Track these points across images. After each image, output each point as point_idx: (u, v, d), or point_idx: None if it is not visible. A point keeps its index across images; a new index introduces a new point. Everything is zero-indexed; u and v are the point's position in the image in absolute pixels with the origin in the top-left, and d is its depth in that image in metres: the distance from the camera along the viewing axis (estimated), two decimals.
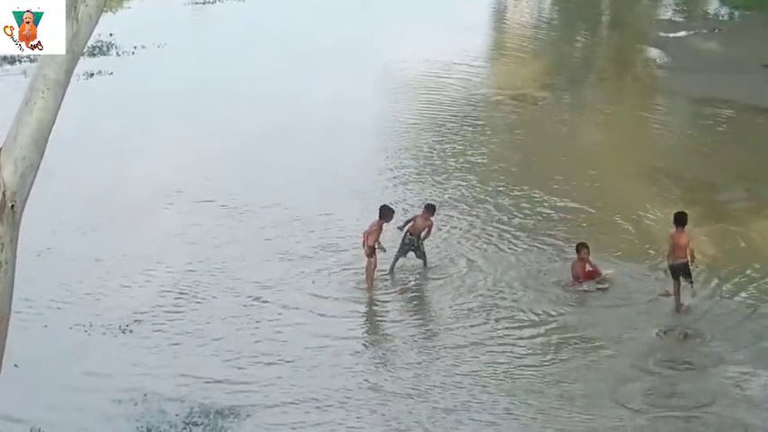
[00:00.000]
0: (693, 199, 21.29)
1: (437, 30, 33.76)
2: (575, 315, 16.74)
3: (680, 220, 16.68)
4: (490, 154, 23.74)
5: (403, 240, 18.17)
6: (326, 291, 17.41)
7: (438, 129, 25.29)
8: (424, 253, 18.18)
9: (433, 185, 21.86)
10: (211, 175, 22.25)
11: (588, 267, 17.70)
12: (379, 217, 17.81)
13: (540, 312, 16.69)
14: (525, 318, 16.53)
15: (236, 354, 15.48)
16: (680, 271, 16.54)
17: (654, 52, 33.03)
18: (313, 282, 17.63)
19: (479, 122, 25.92)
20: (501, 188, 21.73)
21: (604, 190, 21.65)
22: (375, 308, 17.37)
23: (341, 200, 20.87)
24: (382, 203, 18.35)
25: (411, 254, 18.25)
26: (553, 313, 16.68)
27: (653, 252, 18.74)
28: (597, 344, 15.81)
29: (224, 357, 15.42)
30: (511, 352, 15.51)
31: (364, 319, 17.15)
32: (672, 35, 34.60)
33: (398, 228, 18.21)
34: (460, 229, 19.69)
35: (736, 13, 37.62)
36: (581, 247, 17.73)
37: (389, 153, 23.85)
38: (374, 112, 26.85)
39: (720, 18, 37.96)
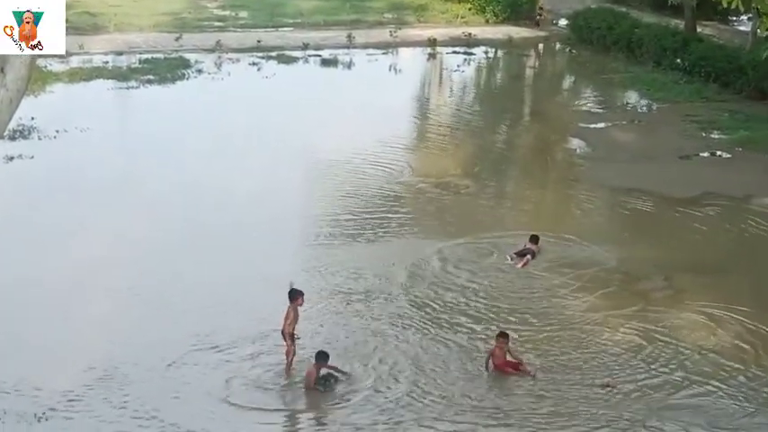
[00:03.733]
0: (615, 287, 21.60)
1: (359, 117, 33.98)
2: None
3: (534, 239, 22.82)
4: (412, 242, 23.80)
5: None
6: (241, 392, 17.30)
7: (358, 217, 25.31)
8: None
9: (352, 275, 21.85)
10: (127, 262, 22.03)
11: (509, 357, 17.88)
12: (290, 301, 17.79)
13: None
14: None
15: None
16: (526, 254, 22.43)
17: (575, 142, 33.55)
18: (226, 381, 17.51)
19: (402, 210, 26.01)
20: (422, 275, 21.84)
21: (526, 279, 21.86)
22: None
23: (258, 288, 20.75)
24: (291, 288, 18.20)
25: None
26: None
27: (582, 341, 19.04)
28: None
29: None
30: None
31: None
32: (592, 126, 35.22)
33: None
34: (379, 320, 19.75)
35: (655, 105, 38.43)
36: (499, 337, 17.98)
37: (309, 241, 23.84)
38: (294, 199, 26.85)
39: (639, 110, 38.75)
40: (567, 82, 46.67)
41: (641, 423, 16.56)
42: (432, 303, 20.54)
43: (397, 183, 28.07)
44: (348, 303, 20.49)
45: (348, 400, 17.07)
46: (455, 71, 44.05)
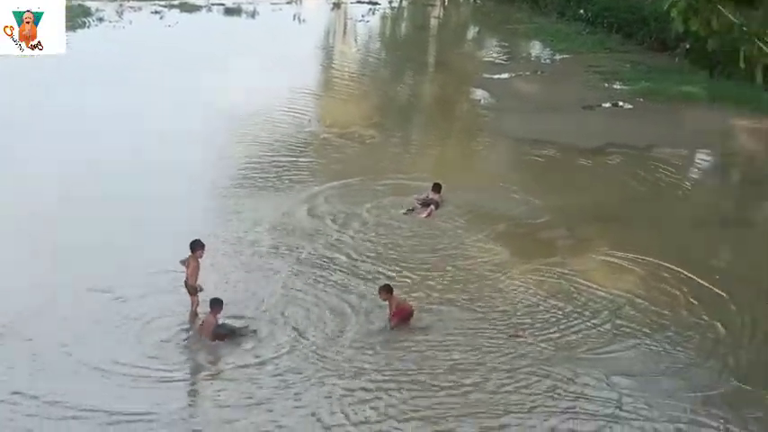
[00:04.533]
0: (517, 236, 21.69)
1: (263, 67, 33.72)
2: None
3: (437, 187, 22.79)
4: (315, 193, 23.60)
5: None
6: (146, 339, 17.04)
7: (263, 167, 25.08)
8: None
9: (256, 223, 21.68)
10: (31, 210, 21.55)
11: (399, 305, 17.74)
12: (191, 252, 17.58)
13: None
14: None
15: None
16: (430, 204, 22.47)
17: (479, 93, 33.65)
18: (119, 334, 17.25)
19: (307, 160, 25.84)
20: (325, 228, 21.70)
21: (428, 230, 21.84)
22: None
23: (161, 240, 20.37)
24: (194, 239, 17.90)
25: None
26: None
27: (481, 292, 19.07)
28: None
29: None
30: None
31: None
32: (496, 77, 35.37)
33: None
34: (280, 272, 19.52)
35: (558, 56, 38.70)
36: (381, 290, 17.83)
37: (214, 189, 23.57)
38: (196, 148, 26.41)
39: (543, 61, 39.00)
40: (472, 32, 46.79)
41: (571, 376, 16.41)
42: (336, 253, 20.40)
43: (303, 132, 27.92)
44: (252, 252, 20.34)
45: (257, 357, 16.84)
46: (360, 21, 43.90)
